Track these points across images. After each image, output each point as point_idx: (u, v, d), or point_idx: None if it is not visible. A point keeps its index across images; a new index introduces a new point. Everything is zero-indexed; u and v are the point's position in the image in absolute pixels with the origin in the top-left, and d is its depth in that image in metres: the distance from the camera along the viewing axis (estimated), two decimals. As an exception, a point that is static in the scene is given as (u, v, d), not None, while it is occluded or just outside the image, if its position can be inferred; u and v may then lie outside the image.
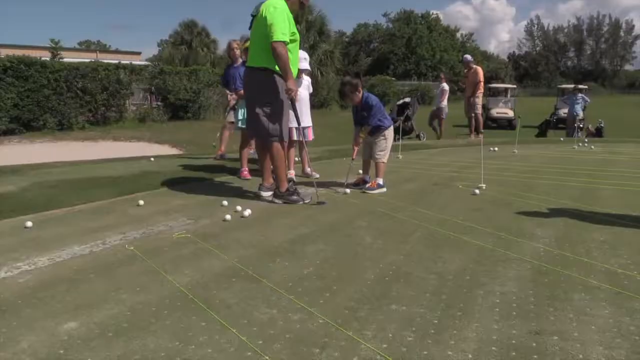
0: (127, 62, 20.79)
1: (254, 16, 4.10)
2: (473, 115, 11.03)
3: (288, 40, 3.94)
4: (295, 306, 2.18)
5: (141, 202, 4.12)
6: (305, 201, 4.18)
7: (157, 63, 27.99)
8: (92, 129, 16.82)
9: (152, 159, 7.09)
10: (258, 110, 4.11)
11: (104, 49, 50.32)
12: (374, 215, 3.80)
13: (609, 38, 79.76)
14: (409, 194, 4.55)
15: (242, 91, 5.27)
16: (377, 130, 4.74)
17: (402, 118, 11.17)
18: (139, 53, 38.38)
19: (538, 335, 1.92)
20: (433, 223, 3.51)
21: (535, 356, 1.77)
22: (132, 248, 2.99)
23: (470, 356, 1.77)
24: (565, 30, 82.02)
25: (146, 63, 28.30)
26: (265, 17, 3.91)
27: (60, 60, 17.26)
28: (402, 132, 11.31)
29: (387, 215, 3.78)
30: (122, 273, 2.60)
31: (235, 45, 6.53)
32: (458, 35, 55.41)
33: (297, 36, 4.16)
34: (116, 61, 19.68)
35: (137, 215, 3.80)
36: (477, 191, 4.54)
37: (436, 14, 53.40)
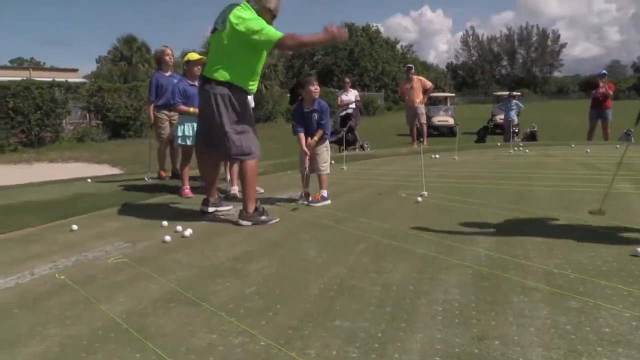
0: (63, 79, 19.97)
1: (217, 29, 3.86)
2: (419, 124, 11.23)
3: (281, 33, 3.75)
4: (236, 329, 2.10)
5: (75, 227, 3.91)
6: (275, 220, 3.98)
7: (95, 80, 27.10)
8: (26, 150, 16.00)
9: (89, 180, 6.78)
10: (228, 128, 3.85)
11: (38, 67, 48.16)
12: (318, 228, 3.77)
13: (538, 47, 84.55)
14: (353, 205, 4.56)
15: (182, 107, 5.13)
16: (323, 139, 4.72)
17: (345, 129, 11.24)
18: (75, 70, 37.01)
19: (480, 341, 1.93)
20: (377, 233, 3.52)
21: (477, 363, 1.77)
22: (62, 277, 2.81)
23: (414, 368, 1.75)
24: (498, 40, 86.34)
25: (83, 80, 27.32)
26: (247, 31, 3.70)
27: (-11, 79, 16.36)
28: (346, 143, 11.36)
29: (331, 228, 3.75)
30: (51, 305, 2.43)
31: (170, 52, 6.32)
32: (398, 46, 56.85)
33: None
34: (50, 79, 18.86)
35: (69, 242, 3.59)
36: (419, 199, 4.60)
37: (376, 26, 54.61)
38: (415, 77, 11.27)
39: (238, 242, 3.44)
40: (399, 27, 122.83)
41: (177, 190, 5.34)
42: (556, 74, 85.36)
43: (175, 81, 6.13)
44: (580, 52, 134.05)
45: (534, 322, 2.08)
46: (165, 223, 3.95)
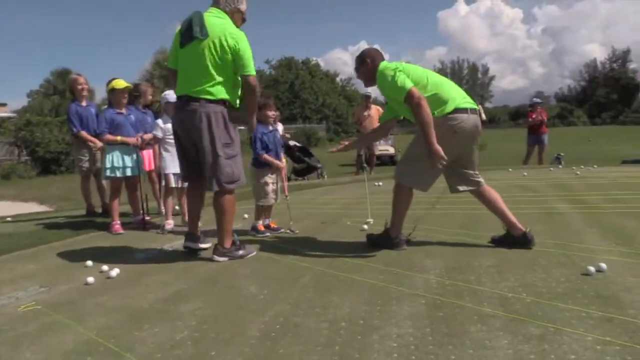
0: (-15, 114, 18.80)
1: (197, 38, 3.38)
2: (369, 154, 11.16)
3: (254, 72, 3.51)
4: (162, 383, 1.80)
5: (-18, 272, 3.45)
6: (253, 254, 3.66)
7: (24, 113, 25.76)
8: (-58, 191, 14.70)
9: (9, 219, 6.19)
10: (220, 152, 3.42)
11: (-39, 102, 45.33)
12: (258, 261, 3.50)
13: (469, 80, 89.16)
14: (296, 235, 4.33)
15: (108, 136, 4.77)
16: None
17: (313, 157, 11.29)
18: (4, 104, 35.20)
19: (440, 380, 1.73)
20: (322, 264, 3.30)
21: (439, 407, 1.57)
22: (-42, 332, 2.40)
23: (369, 418, 1.52)
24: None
25: (10, 115, 25.93)
26: (233, 47, 3.37)
27: None
28: (308, 170, 11.41)
29: (272, 260, 3.50)
30: (-63, 367, 2.03)
31: (83, 81, 5.81)
32: (338, 79, 57.89)
33: None
34: (-29, 114, 17.69)
35: (-27, 289, 3.13)
36: (365, 226, 4.44)
37: (316, 60, 55.51)
38: (373, 106, 11.26)
39: (170, 281, 3.10)
40: (338, 61, 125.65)
41: (106, 227, 4.92)
42: (487, 104, 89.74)
43: (93, 110, 5.74)
44: (508, 84, 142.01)
45: (496, 352, 1.92)
46: (89, 263, 3.56)
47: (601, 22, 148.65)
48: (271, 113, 4.41)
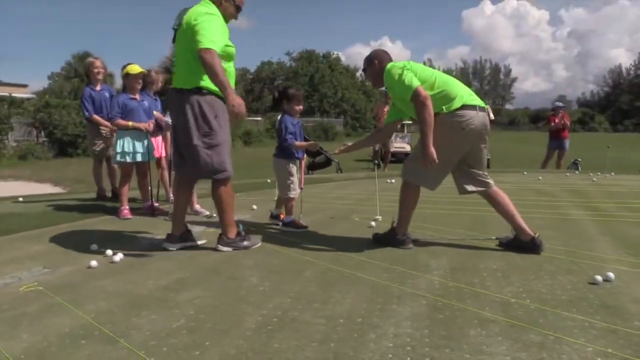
0: (6, 94, 19.05)
1: (176, 29, 3.37)
2: (384, 150, 11.11)
3: (218, 49, 3.15)
4: (154, 371, 1.79)
5: (-11, 250, 3.49)
6: (258, 244, 3.64)
7: (44, 95, 26.09)
8: (-39, 168, 15.00)
9: (21, 199, 6.26)
10: (197, 142, 3.32)
11: (-17, 81, 46.03)
12: (263, 253, 3.48)
13: (491, 80, 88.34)
14: (304, 229, 4.30)
15: (120, 121, 4.79)
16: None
17: (327, 152, 11.34)
18: (25, 85, 35.63)
19: (433, 383, 1.70)
20: (326, 259, 3.27)
21: (430, 412, 1.53)
22: (-41, 308, 2.42)
23: (358, 419, 1.49)
24: (454, 73, 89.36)
25: (30, 96, 26.28)
26: (192, 25, 3.19)
27: None
28: (322, 164, 11.46)
29: (277, 253, 3.48)
30: None
31: (99, 65, 5.77)
32: (358, 74, 57.61)
33: (234, 50, 3.41)
34: (-6, 93, 17.97)
35: (-21, 266, 3.17)
36: (373, 223, 4.41)
37: (336, 54, 55.39)
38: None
39: (173, 269, 3.10)
40: (359, 56, 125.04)
41: (115, 211, 4.95)
42: (508, 106, 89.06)
43: (107, 95, 5.73)
44: (530, 86, 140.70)
45: (493, 358, 1.87)
46: (95, 246, 3.58)
47: (629, 26, 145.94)
48: (298, 107, 4.32)
